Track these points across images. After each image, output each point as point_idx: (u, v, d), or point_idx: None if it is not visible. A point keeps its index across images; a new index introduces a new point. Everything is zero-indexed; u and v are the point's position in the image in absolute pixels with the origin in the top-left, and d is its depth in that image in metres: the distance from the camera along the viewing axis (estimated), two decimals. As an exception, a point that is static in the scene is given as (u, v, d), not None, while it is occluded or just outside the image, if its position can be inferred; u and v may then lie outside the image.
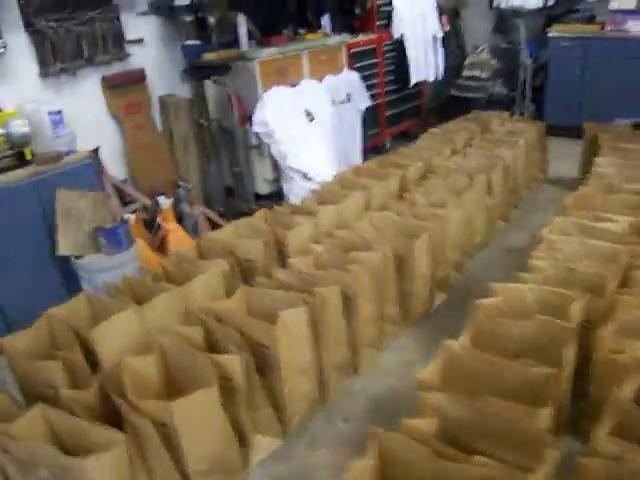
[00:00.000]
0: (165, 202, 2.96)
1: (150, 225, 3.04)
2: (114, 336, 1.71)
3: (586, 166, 3.77)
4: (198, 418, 1.43)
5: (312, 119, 3.50)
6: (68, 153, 2.52)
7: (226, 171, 3.55)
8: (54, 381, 1.58)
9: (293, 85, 3.44)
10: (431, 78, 4.75)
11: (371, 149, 4.44)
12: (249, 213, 3.49)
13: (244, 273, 2.24)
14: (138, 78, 3.17)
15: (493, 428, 1.34)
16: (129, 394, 1.42)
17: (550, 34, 4.49)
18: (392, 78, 4.54)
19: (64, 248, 2.43)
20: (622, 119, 4.12)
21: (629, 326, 1.62)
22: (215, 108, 3.32)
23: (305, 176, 3.41)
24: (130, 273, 2.50)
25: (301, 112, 3.45)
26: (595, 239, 2.12)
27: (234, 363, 1.53)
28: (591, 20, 4.44)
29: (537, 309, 1.77)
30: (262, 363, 1.68)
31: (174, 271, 2.12)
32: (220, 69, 3.07)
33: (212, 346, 1.69)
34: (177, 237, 2.99)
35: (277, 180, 3.61)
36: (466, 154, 3.25)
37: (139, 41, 3.15)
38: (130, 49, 3.09)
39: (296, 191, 3.43)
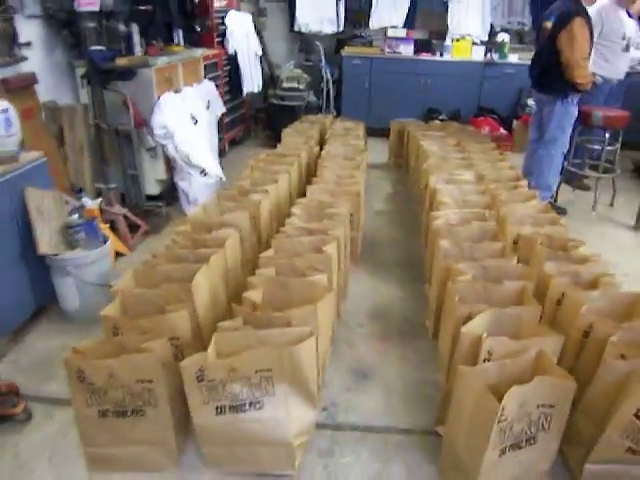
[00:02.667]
0: (92, 203, 3.01)
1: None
2: (200, 288, 2.00)
3: (395, 152, 5.05)
4: (324, 319, 1.91)
5: (196, 122, 3.86)
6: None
7: (119, 174, 3.63)
8: (179, 331, 1.82)
9: (176, 92, 3.75)
10: (256, 90, 5.48)
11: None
12: (153, 211, 3.71)
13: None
14: (30, 83, 3.08)
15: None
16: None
17: (343, 54, 5.71)
18: (228, 89, 5.10)
19: (44, 247, 2.38)
20: (401, 119, 5.55)
21: (512, 218, 2.66)
22: (111, 113, 3.41)
23: (202, 172, 3.76)
24: (107, 265, 2.61)
25: (188, 116, 3.78)
26: (462, 184, 3.19)
27: (324, 280, 2.04)
28: (371, 44, 5.82)
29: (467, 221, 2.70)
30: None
31: (190, 243, 2.38)
32: (126, 74, 3.22)
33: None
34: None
35: (167, 180, 3.85)
36: (330, 144, 4.09)
37: (27, 44, 3.08)
38: (24, 52, 3.01)
39: (195, 187, 3.76)
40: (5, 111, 2.42)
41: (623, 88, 4.62)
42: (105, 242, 2.59)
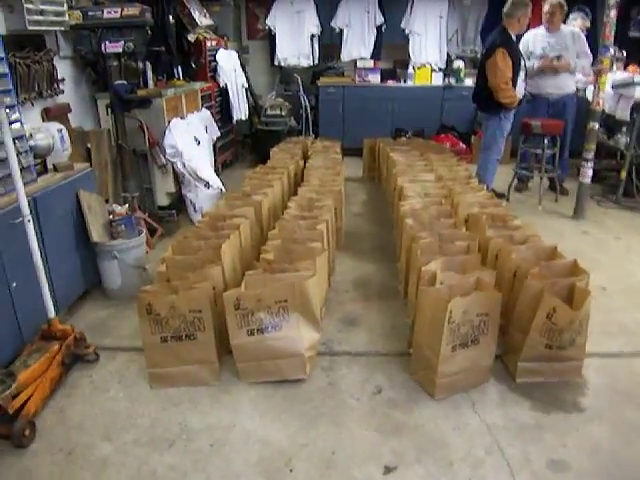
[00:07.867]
0: (120, 208, 3.62)
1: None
2: (225, 254, 2.63)
3: (369, 165, 5.78)
4: (321, 270, 2.55)
5: (199, 143, 4.53)
6: (69, 164, 3.08)
7: (137, 187, 4.25)
8: (215, 282, 2.44)
9: (182, 118, 4.43)
10: (243, 117, 6.20)
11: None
12: (165, 218, 4.33)
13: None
14: (66, 111, 3.73)
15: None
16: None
17: (319, 84, 6.50)
18: (219, 117, 5.81)
19: (96, 236, 2.99)
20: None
21: (464, 203, 3.36)
22: (130, 136, 4.05)
23: (206, 185, 4.41)
24: (142, 252, 3.22)
25: (192, 138, 4.45)
26: (424, 183, 3.91)
27: (319, 245, 2.69)
28: (343, 74, 6.64)
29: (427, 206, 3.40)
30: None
31: (210, 228, 3.01)
32: (144, 103, 3.87)
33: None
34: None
35: (174, 193, 4.48)
36: (312, 158, 4.80)
37: (62, 80, 3.73)
38: (61, 87, 3.66)
39: (200, 198, 4.40)
40: (60, 131, 3.04)
41: (570, 105, 5.00)
42: (140, 234, 3.21)
